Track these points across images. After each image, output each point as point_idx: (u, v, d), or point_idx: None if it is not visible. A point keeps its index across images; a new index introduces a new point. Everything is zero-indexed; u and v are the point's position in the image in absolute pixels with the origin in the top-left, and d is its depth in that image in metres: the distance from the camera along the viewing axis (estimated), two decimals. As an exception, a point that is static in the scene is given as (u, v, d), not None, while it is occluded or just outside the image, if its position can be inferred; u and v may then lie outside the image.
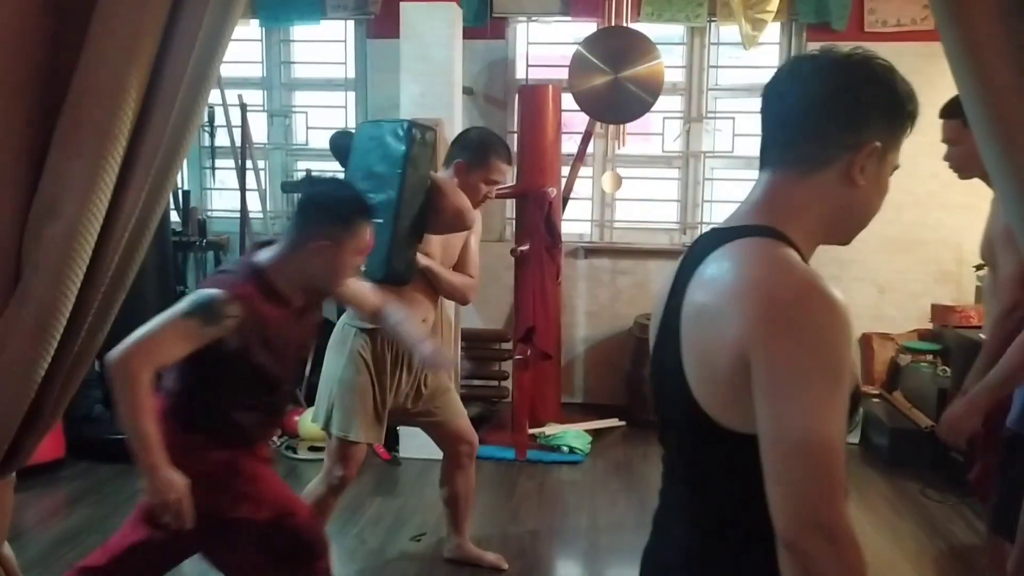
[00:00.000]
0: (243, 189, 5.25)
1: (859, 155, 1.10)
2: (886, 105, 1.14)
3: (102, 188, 0.96)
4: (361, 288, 2.56)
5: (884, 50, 4.84)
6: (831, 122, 1.10)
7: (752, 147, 4.40)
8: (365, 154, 2.92)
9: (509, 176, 3.06)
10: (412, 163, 2.75)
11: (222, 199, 5.83)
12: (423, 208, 2.81)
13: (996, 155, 0.83)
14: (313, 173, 5.29)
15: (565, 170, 5.10)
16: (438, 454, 3.27)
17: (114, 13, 0.93)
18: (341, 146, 4.18)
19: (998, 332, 2.36)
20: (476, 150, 2.99)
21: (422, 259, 2.92)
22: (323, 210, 2.18)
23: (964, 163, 2.47)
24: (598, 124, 5.20)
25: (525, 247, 4.69)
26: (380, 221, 2.72)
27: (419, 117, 3.51)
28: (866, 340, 5.22)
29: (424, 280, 2.98)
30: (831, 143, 1.11)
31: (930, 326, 5.12)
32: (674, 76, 5.32)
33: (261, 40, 5.60)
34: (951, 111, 2.50)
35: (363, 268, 2.78)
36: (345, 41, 5.55)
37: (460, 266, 3.14)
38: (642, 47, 4.80)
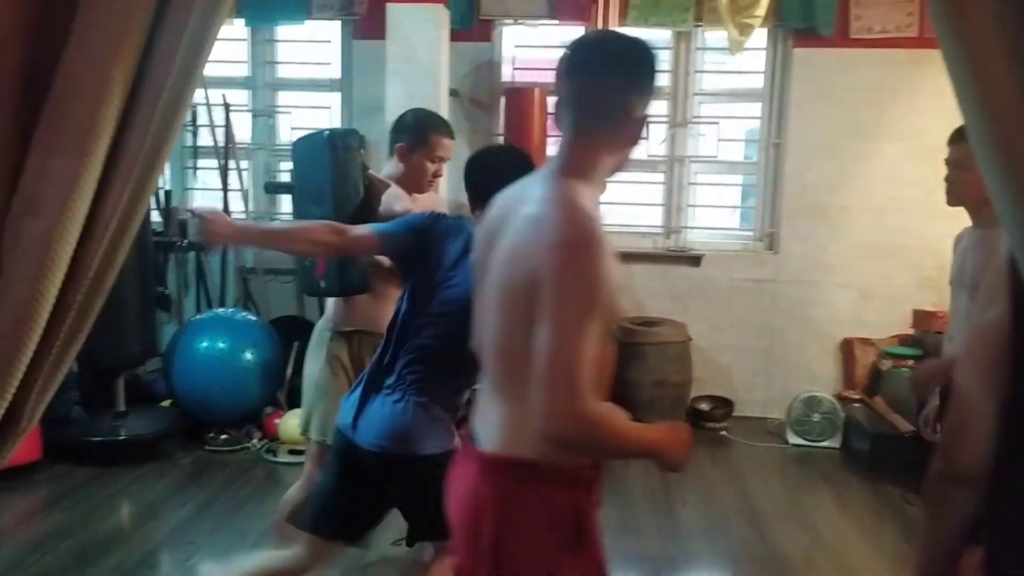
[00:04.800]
0: (226, 189, 5.21)
1: None
2: None
3: (84, 186, 0.94)
4: None
5: (869, 57, 4.91)
6: None
7: (736, 152, 4.44)
8: (302, 172, 2.91)
9: (453, 150, 3.04)
10: (339, 171, 2.72)
11: (204, 199, 5.77)
12: (364, 211, 2.77)
13: (996, 168, 0.82)
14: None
15: (550, 173, 5.09)
16: (421, 458, 3.24)
17: (100, 6, 0.91)
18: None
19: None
20: (414, 131, 2.94)
21: (385, 259, 2.89)
22: None
23: (965, 188, 2.50)
24: (583, 128, 5.19)
25: (510, 250, 4.67)
26: None
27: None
28: (847, 345, 5.25)
29: (396, 278, 2.96)
30: None
31: (911, 331, 5.16)
32: (659, 81, 5.31)
33: (246, 39, 5.56)
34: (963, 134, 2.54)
35: (321, 284, 2.78)
36: (330, 41, 5.51)
37: None
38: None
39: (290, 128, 5.57)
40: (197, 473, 4.25)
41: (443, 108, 4.37)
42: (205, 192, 5.71)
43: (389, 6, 4.38)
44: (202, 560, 3.42)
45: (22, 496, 3.90)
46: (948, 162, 2.60)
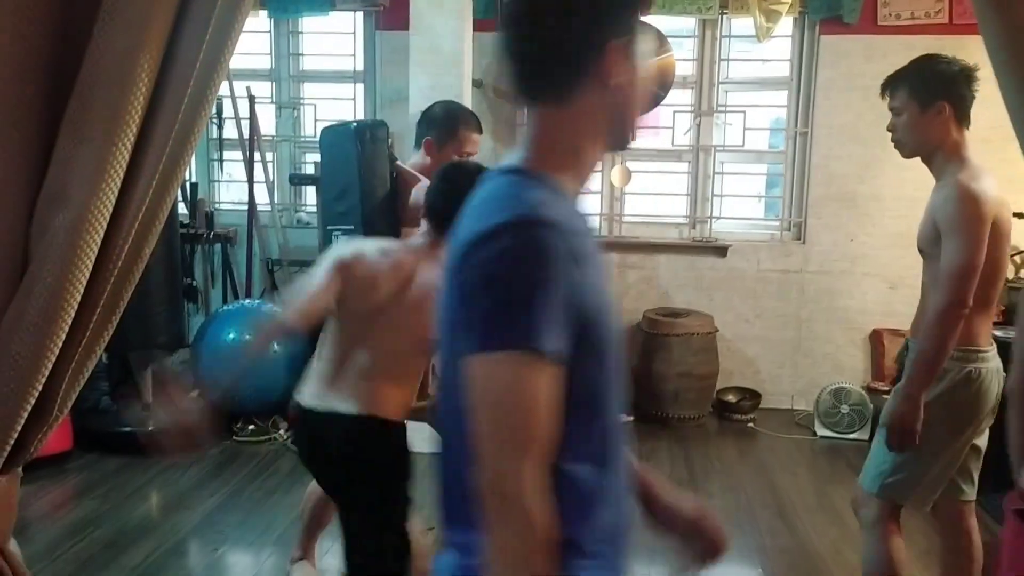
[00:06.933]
0: (251, 181, 5.23)
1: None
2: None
3: (111, 176, 0.94)
4: None
5: (897, 43, 4.83)
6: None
7: (762, 141, 4.38)
8: (330, 163, 2.90)
9: (480, 146, 2.99)
10: (366, 164, 2.70)
11: (230, 191, 5.81)
12: (392, 203, 2.74)
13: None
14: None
15: (574, 163, 5.07)
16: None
17: (124, -3, 0.91)
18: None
19: (941, 329, 2.35)
20: (443, 125, 2.89)
21: None
22: None
23: (906, 136, 2.52)
24: (608, 117, 5.16)
25: (534, 241, 4.66)
26: (351, 228, 2.71)
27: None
28: (876, 336, 5.18)
29: None
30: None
31: (941, 322, 5.09)
32: (684, 69, 5.27)
33: (270, 31, 5.57)
34: (896, 80, 2.47)
35: None
36: (354, 33, 5.51)
37: None
38: (653, 40, 4.75)
39: (314, 120, 5.59)
40: (225, 463, 4.28)
41: (467, 98, 4.36)
42: (231, 184, 5.75)
43: (412, -4, 4.37)
44: (230, 549, 3.45)
45: (54, 485, 3.95)
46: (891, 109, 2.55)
